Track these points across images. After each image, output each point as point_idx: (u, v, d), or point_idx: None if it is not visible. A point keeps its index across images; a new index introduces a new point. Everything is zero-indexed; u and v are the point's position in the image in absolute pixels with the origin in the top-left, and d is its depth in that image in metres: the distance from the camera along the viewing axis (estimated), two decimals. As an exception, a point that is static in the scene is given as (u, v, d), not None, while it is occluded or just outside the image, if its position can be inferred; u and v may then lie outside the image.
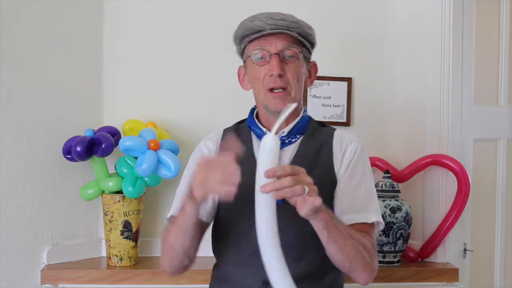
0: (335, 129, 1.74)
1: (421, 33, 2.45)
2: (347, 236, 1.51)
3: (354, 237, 1.54)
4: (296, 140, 1.68)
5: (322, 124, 1.78)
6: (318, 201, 1.36)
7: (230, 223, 1.67)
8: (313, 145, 1.68)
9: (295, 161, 1.65)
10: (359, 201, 1.64)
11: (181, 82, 2.45)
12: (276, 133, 1.37)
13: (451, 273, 2.32)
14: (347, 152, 1.67)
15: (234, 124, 1.80)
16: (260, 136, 1.68)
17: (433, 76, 2.42)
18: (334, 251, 1.51)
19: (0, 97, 2.13)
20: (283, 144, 1.67)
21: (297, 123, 1.70)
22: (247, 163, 1.61)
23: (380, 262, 2.21)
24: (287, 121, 1.67)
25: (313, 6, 2.44)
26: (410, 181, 2.43)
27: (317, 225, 1.45)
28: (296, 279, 1.49)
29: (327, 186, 1.63)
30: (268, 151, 1.35)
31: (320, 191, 1.53)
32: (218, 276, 1.70)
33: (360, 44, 2.51)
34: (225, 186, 1.37)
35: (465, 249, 2.49)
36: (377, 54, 2.52)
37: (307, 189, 1.34)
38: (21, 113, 2.19)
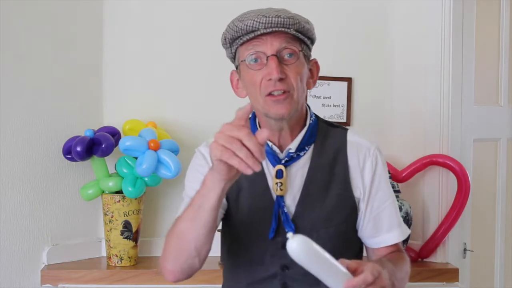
0: (346, 130, 1.57)
1: (421, 33, 2.45)
2: (400, 283, 1.43)
3: (404, 276, 1.48)
4: (305, 153, 1.50)
5: (331, 124, 1.59)
6: None
7: (240, 249, 1.53)
8: (326, 156, 1.51)
9: (309, 178, 1.50)
10: (392, 217, 1.55)
11: (181, 82, 2.45)
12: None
13: (451, 273, 2.32)
14: (367, 168, 1.52)
15: None
16: (267, 152, 1.48)
17: (433, 76, 2.42)
18: None
19: (0, 97, 2.13)
20: (292, 160, 1.50)
21: (305, 134, 1.51)
22: (257, 182, 1.51)
23: (380, 262, 2.21)
24: (292, 133, 1.51)
25: (313, 6, 2.44)
26: (410, 181, 2.43)
27: None
28: None
29: (346, 206, 1.51)
30: (309, 261, 1.20)
31: (338, 213, 1.48)
32: None
33: (360, 44, 2.51)
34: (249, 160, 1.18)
35: (465, 249, 2.48)
36: (377, 54, 2.52)
37: None
38: (21, 113, 2.19)
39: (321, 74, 2.48)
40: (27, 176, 2.21)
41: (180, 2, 2.44)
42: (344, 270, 1.24)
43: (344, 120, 2.48)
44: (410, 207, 2.35)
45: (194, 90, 2.45)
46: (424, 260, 2.42)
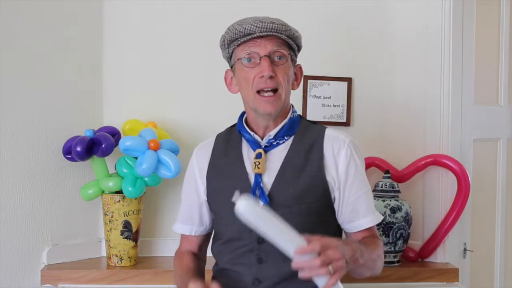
0: (325, 127, 1.76)
1: (421, 33, 2.45)
2: (370, 262, 1.59)
3: (375, 258, 1.62)
4: (284, 142, 1.71)
5: (313, 122, 1.80)
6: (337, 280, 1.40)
7: (222, 227, 1.73)
8: (303, 145, 1.70)
9: (286, 161, 1.68)
10: (368, 203, 1.72)
11: (181, 82, 2.45)
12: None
13: (451, 273, 2.32)
14: (341, 157, 1.69)
15: (227, 129, 1.84)
16: (249, 140, 1.72)
17: (433, 76, 2.42)
18: (360, 276, 1.64)
19: (0, 97, 2.13)
20: (271, 146, 1.70)
21: (284, 125, 1.72)
22: (236, 167, 1.72)
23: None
24: (275, 123, 1.71)
25: (313, 7, 2.44)
26: (410, 181, 2.43)
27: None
28: (285, 278, 1.53)
29: (317, 187, 1.67)
30: (255, 219, 1.38)
31: (310, 192, 1.65)
32: (218, 269, 1.78)
33: (360, 44, 2.51)
34: None
35: (465, 249, 2.49)
36: (377, 54, 2.52)
37: (331, 269, 1.37)
38: (21, 113, 2.19)
39: (321, 74, 2.50)
40: (27, 176, 2.21)
41: (181, 2, 2.44)
42: (301, 239, 1.38)
43: (344, 120, 2.48)
44: (410, 207, 2.35)
45: (194, 90, 2.45)
46: (424, 260, 2.42)
